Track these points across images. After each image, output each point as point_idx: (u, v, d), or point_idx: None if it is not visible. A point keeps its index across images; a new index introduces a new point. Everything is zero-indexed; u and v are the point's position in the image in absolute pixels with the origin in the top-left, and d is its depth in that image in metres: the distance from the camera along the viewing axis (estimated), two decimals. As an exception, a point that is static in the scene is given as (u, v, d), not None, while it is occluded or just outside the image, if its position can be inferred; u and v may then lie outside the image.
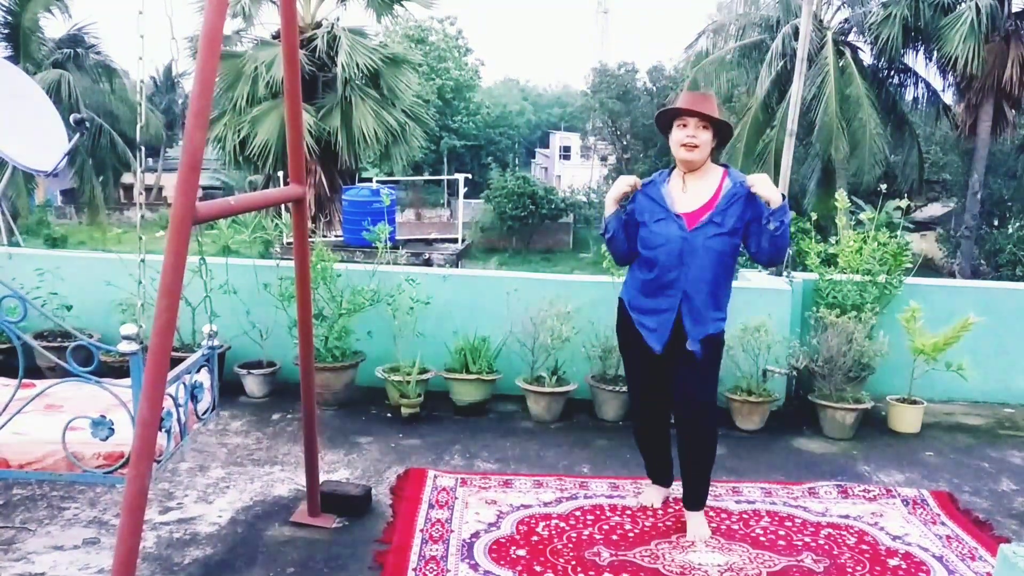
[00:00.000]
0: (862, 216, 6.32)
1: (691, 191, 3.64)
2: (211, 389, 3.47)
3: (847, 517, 4.07)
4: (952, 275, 21.99)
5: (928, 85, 22.00)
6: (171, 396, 2.95)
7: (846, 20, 22.55)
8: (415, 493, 4.14)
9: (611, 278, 5.55)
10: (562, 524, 3.86)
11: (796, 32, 20.04)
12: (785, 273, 6.33)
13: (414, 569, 3.39)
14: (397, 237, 13.90)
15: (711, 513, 4.02)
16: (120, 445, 2.80)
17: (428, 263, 15.96)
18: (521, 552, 3.57)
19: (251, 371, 5.62)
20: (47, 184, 34.23)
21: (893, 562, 3.61)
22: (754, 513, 4.07)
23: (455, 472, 4.48)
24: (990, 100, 20.17)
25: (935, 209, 30.55)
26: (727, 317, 3.77)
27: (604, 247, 5.31)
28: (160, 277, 2.40)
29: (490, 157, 47.74)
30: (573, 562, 3.50)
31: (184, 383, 3.13)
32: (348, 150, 17.06)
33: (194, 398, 3.25)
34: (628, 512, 4.01)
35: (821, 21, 21.18)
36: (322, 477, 4.00)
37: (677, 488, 4.31)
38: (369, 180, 20.46)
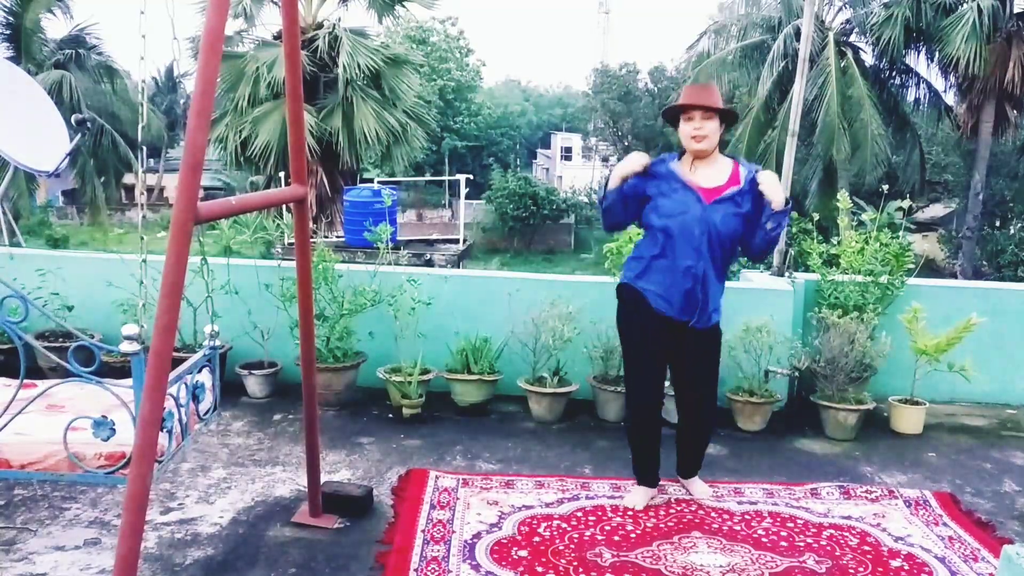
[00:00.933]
0: (864, 217, 6.31)
1: (700, 174, 3.79)
2: (212, 389, 3.46)
3: (849, 518, 4.06)
4: (954, 276, 21.98)
5: (930, 86, 22.01)
6: (172, 396, 2.94)
7: (848, 21, 22.56)
8: (416, 494, 4.14)
9: (613, 279, 5.55)
10: (564, 525, 3.86)
11: (797, 33, 20.06)
12: (787, 274, 6.33)
13: (416, 570, 3.39)
14: (398, 238, 13.90)
15: (713, 514, 4.02)
16: (121, 445, 2.80)
17: (429, 264, 15.96)
18: (523, 553, 3.57)
19: (252, 371, 5.61)
20: (48, 185, 34.26)
21: (895, 563, 3.60)
22: (756, 514, 4.06)
23: (456, 473, 4.47)
24: (992, 101, 20.16)
25: (937, 210, 30.55)
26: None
27: (604, 248, 5.35)
28: (162, 277, 2.40)
29: (491, 158, 47.74)
30: (575, 563, 3.49)
31: (186, 383, 3.13)
32: (349, 151, 17.08)
33: (195, 398, 3.25)
34: (630, 513, 4.00)
35: (823, 22, 21.19)
36: (323, 478, 4.00)
37: (674, 490, 4.31)
38: (370, 181, 20.46)
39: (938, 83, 21.85)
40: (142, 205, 2.91)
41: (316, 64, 16.66)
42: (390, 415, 5.42)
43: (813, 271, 6.08)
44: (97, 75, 25.42)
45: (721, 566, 3.51)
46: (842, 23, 22.54)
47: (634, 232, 5.16)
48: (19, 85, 6.06)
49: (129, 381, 2.74)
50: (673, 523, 3.92)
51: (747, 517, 4.00)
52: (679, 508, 4.09)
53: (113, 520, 3.72)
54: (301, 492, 4.09)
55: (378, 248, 5.88)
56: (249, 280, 5.74)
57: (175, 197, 2.43)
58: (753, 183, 3.75)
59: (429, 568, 3.41)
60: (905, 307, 5.52)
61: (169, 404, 2.85)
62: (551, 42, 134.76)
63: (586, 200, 39.65)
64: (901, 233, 6.21)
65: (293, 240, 3.78)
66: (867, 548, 3.74)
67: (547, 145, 57.03)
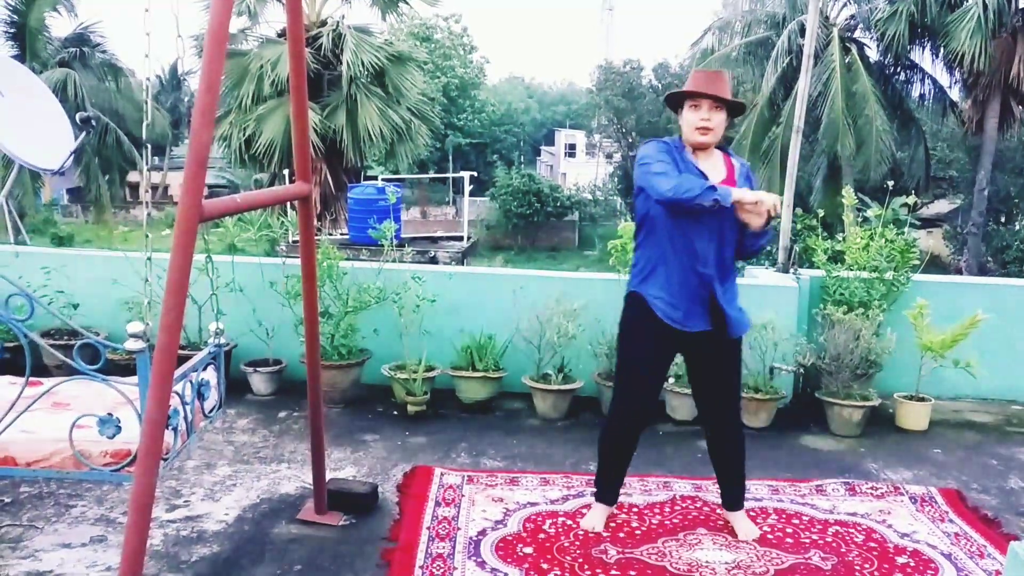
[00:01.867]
0: (869, 213, 6.29)
1: (703, 166, 3.50)
2: (218, 387, 3.47)
3: (855, 515, 4.06)
4: (959, 272, 21.92)
5: (935, 81, 21.91)
6: (178, 394, 2.95)
7: (852, 16, 22.48)
8: (422, 491, 4.14)
9: (618, 275, 5.55)
10: (569, 522, 3.86)
11: (802, 29, 19.98)
12: (792, 270, 6.32)
13: (421, 567, 3.39)
14: (403, 235, 13.89)
15: (718, 511, 4.01)
16: (127, 443, 2.80)
17: (434, 261, 15.94)
18: (528, 550, 3.57)
19: (257, 369, 5.62)
20: (53, 183, 34.30)
21: (901, 560, 3.60)
22: (761, 511, 4.06)
23: (462, 470, 4.47)
24: (997, 96, 20.07)
25: (941, 206, 30.47)
26: None
27: (608, 245, 5.26)
28: (167, 275, 2.40)
29: (495, 155, 47.77)
30: (580, 560, 3.49)
31: (191, 381, 3.13)
32: (353, 148, 17.07)
33: (201, 396, 3.25)
34: (635, 509, 4.00)
35: (827, 17, 21.13)
36: (328, 475, 4.00)
37: (679, 486, 4.31)
38: (374, 178, 20.46)
39: (943, 79, 21.77)
40: (147, 203, 2.91)
41: (320, 61, 16.65)
42: (395, 412, 5.42)
43: (818, 267, 6.07)
44: (101, 73, 25.45)
45: (726, 563, 3.51)
46: (846, 19, 22.46)
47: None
48: (25, 84, 6.08)
49: (134, 379, 2.75)
50: (678, 520, 3.92)
51: (752, 513, 4.00)
52: (684, 505, 4.09)
53: (119, 517, 3.73)
54: (306, 489, 4.10)
55: (382, 245, 5.88)
56: (254, 278, 5.75)
57: (180, 194, 2.43)
58: (746, 179, 3.55)
59: (434, 565, 3.41)
60: (910, 303, 5.51)
61: (174, 402, 2.86)
62: (555, 39, 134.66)
63: (590, 197, 39.61)
64: (906, 229, 6.20)
65: (297, 238, 3.78)
66: (873, 544, 3.74)
67: (551, 142, 57.00)
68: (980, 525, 3.99)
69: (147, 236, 2.82)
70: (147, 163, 2.84)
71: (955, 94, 22.19)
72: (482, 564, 3.43)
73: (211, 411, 3.41)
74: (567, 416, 5.43)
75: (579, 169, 47.55)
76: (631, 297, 3.63)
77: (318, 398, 3.74)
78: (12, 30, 22.67)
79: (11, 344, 5.62)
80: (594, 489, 3.92)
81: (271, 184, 18.06)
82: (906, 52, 20.93)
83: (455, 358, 5.62)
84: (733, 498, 3.85)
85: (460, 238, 19.03)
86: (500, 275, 6.36)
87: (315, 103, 16.41)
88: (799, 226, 6.77)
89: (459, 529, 3.75)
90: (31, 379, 2.86)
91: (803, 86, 6.92)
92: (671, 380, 5.35)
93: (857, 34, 22.24)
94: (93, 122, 6.18)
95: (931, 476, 4.66)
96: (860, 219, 6.37)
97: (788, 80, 20.70)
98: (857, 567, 3.52)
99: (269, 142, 16.36)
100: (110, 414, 2.79)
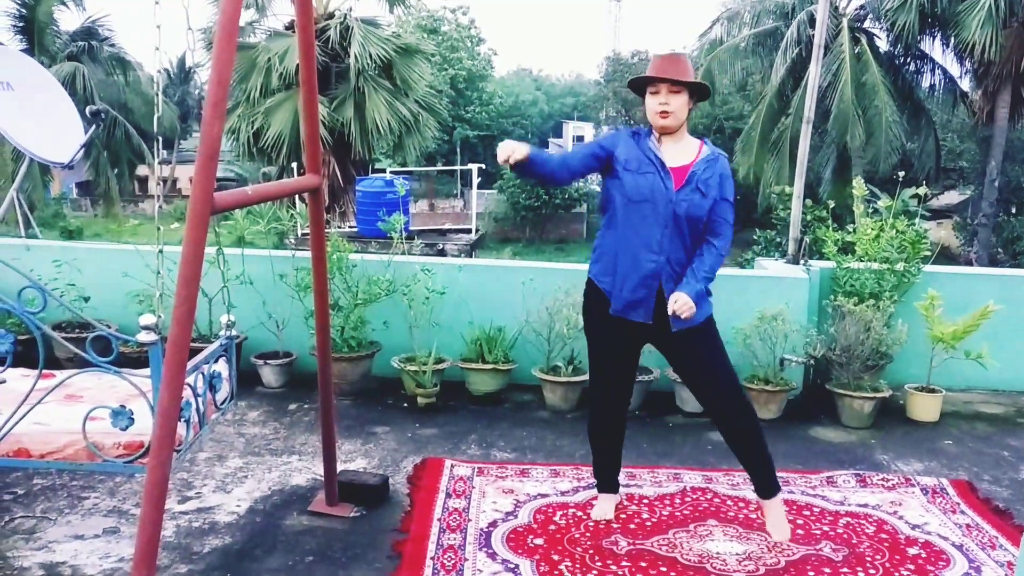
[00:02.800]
0: (879, 204, 6.27)
1: (667, 152, 3.44)
2: (229, 379, 3.48)
3: (866, 506, 4.05)
4: (969, 263, 21.84)
5: (945, 72, 21.78)
6: (190, 386, 2.96)
7: (862, 6, 22.33)
8: (432, 483, 4.15)
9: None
10: (579, 513, 3.86)
11: (811, 19, 19.95)
12: (802, 261, 6.30)
13: (432, 558, 3.40)
14: (411, 227, 13.90)
15: (729, 502, 4.01)
16: (140, 435, 2.82)
17: (442, 253, 15.97)
18: (539, 541, 3.58)
19: (268, 361, 5.64)
20: (63, 176, 34.41)
21: (912, 551, 3.59)
22: (772, 502, 4.05)
23: (472, 462, 4.48)
24: (1008, 87, 19.94)
25: (952, 197, 30.33)
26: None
27: None
28: (179, 267, 2.40)
29: (503, 147, 47.56)
30: (591, 551, 3.50)
31: (203, 373, 3.14)
32: (361, 141, 17.09)
33: (212, 388, 3.26)
34: (645, 501, 4.00)
35: (837, 7, 21.00)
36: (339, 467, 4.01)
37: (690, 478, 4.31)
38: (383, 171, 20.48)
39: (953, 69, 21.63)
40: (158, 196, 2.92)
41: (328, 54, 16.66)
42: (405, 404, 5.43)
43: (828, 259, 6.05)
44: (110, 67, 25.53)
45: (737, 554, 3.51)
46: (856, 9, 22.32)
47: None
48: (34, 77, 6.10)
49: (147, 371, 2.76)
50: (689, 511, 3.92)
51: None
52: (695, 496, 4.09)
53: (132, 509, 3.75)
54: (317, 481, 4.11)
55: (391, 238, 5.88)
56: (264, 270, 5.76)
57: (191, 187, 2.43)
58: (710, 163, 3.42)
59: (445, 556, 3.42)
60: (921, 295, 5.49)
61: (187, 394, 2.86)
62: (562, 31, 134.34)
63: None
64: (916, 220, 6.17)
65: (306, 230, 3.78)
66: (884, 536, 3.73)
67: (559, 134, 56.88)
68: (992, 516, 3.98)
69: (159, 228, 2.83)
70: (157, 156, 2.85)
71: (965, 84, 22.05)
72: (493, 555, 3.44)
73: (223, 403, 3.42)
74: (577, 408, 5.43)
75: (587, 161, 47.38)
76: (587, 283, 3.63)
77: (328, 390, 3.75)
78: (21, 24, 22.74)
79: (24, 337, 5.63)
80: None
81: (279, 177, 18.11)
82: (916, 42, 20.80)
83: (465, 350, 5.63)
84: (761, 485, 3.71)
85: (468, 230, 19.05)
86: (509, 267, 6.36)
87: (323, 96, 16.41)
88: (809, 217, 6.73)
89: (470, 520, 3.75)
90: (44, 371, 2.88)
91: (813, 76, 6.89)
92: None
93: (867, 24, 22.12)
94: (102, 116, 6.20)
95: (942, 467, 4.64)
96: (870, 210, 6.35)
97: (797, 71, 20.61)
98: (868, 558, 3.51)
99: (277, 135, 16.40)
100: (123, 406, 2.80)
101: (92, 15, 25.56)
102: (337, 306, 5.48)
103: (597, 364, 3.69)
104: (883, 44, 21.83)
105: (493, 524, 3.73)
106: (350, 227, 16.88)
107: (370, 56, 16.36)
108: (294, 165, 16.80)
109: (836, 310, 5.60)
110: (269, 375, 5.65)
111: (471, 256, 16.53)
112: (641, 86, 3.51)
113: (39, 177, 22.42)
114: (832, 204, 6.63)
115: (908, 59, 22.09)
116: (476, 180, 19.12)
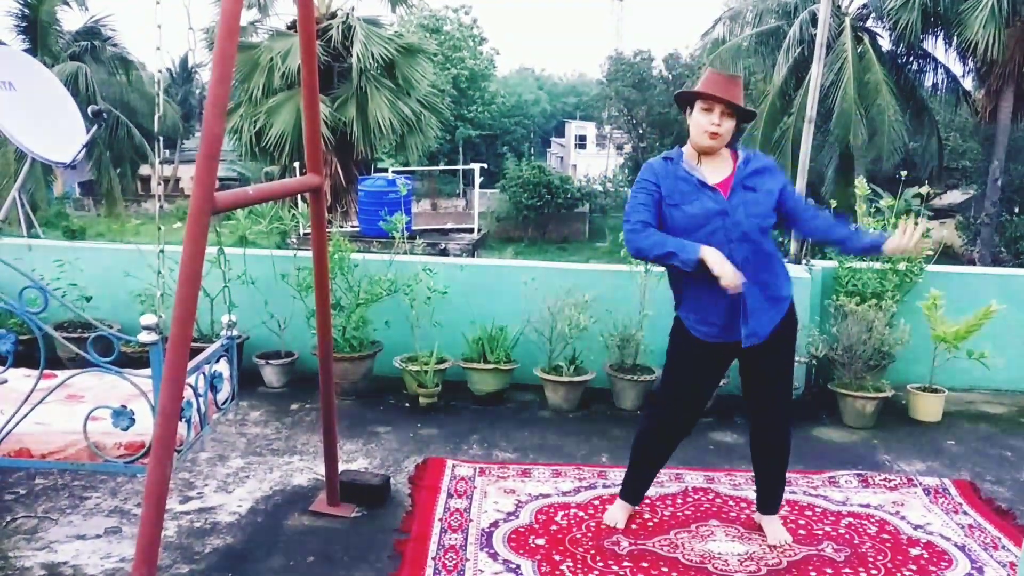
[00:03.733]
0: (881, 203, 6.26)
1: (707, 170, 3.34)
2: (230, 379, 3.48)
3: (868, 506, 4.04)
4: (972, 262, 21.82)
5: (948, 71, 21.75)
6: (191, 386, 2.96)
7: (864, 5, 22.32)
8: (434, 482, 4.15)
9: (628, 267, 5.53)
10: (581, 513, 3.86)
11: (813, 18, 19.89)
12: (804, 261, 6.29)
13: (433, 558, 3.40)
14: (413, 227, 13.91)
15: (730, 503, 4.01)
16: (141, 435, 2.82)
17: (444, 253, 15.96)
18: (540, 541, 3.57)
19: (269, 361, 5.63)
20: (66, 176, 34.45)
21: (915, 551, 3.59)
22: (774, 502, 4.04)
23: (473, 462, 4.48)
24: (1011, 86, 19.92)
25: (954, 196, 30.33)
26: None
27: (619, 236, 5.21)
28: (180, 267, 2.40)
29: (505, 147, 47.70)
30: (592, 551, 3.49)
31: (204, 373, 3.14)
32: (363, 140, 17.09)
33: (214, 388, 3.26)
34: (647, 501, 3.99)
35: (839, 7, 20.98)
36: (341, 467, 4.01)
37: (691, 478, 4.30)
38: (385, 170, 20.48)
39: (956, 68, 21.60)
40: (160, 196, 2.92)
41: (330, 54, 16.66)
42: (407, 404, 5.43)
43: (830, 258, 6.04)
44: (112, 67, 25.51)
45: (739, 554, 3.50)
46: (858, 8, 22.30)
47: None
48: (36, 77, 6.10)
49: (148, 371, 2.76)
50: (691, 511, 3.91)
51: (765, 505, 3.98)
52: (697, 496, 4.08)
53: (133, 509, 3.75)
54: (319, 481, 4.11)
55: (393, 237, 5.88)
56: (265, 270, 5.76)
57: (192, 187, 2.43)
58: (748, 163, 3.34)
59: (447, 556, 3.42)
60: (923, 294, 5.48)
61: (188, 394, 2.87)
62: (565, 30, 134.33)
63: (600, 189, 39.51)
64: (919, 220, 6.15)
65: (308, 230, 3.79)
66: (886, 536, 3.72)
67: (561, 133, 56.91)
68: (994, 517, 3.97)
69: (159, 228, 2.83)
70: (159, 155, 2.85)
71: (968, 83, 22.04)
72: (494, 556, 3.44)
73: (224, 403, 3.42)
74: (579, 408, 5.43)
75: (590, 160, 47.46)
76: (675, 320, 3.53)
77: (330, 390, 3.75)
78: (23, 24, 22.74)
79: (25, 337, 5.64)
80: (611, 483, 3.87)
81: (281, 177, 18.11)
82: (919, 41, 20.78)
83: (466, 350, 5.62)
84: (767, 502, 3.69)
85: (471, 230, 19.04)
86: (511, 267, 6.36)
87: (325, 95, 16.42)
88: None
89: (471, 521, 3.75)
90: (45, 371, 2.88)
91: (815, 76, 6.88)
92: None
93: (869, 23, 22.10)
94: (104, 115, 6.20)
95: (944, 468, 4.64)
96: (872, 209, 6.34)
97: (799, 70, 20.58)
98: (870, 559, 3.51)
99: (279, 135, 16.40)
100: (124, 406, 2.80)
101: (95, 15, 25.56)
102: (339, 306, 5.48)
103: (681, 384, 3.55)
104: (886, 43, 21.82)
105: (495, 524, 3.73)
106: (352, 227, 16.87)
107: (372, 56, 16.35)
108: (296, 165, 16.80)
109: (838, 310, 5.59)
110: (271, 375, 5.65)
111: (473, 255, 16.52)
112: (690, 99, 3.36)
113: (42, 177, 22.44)
114: (835, 203, 6.63)
115: (911, 58, 22.07)
116: (478, 179, 19.11)
